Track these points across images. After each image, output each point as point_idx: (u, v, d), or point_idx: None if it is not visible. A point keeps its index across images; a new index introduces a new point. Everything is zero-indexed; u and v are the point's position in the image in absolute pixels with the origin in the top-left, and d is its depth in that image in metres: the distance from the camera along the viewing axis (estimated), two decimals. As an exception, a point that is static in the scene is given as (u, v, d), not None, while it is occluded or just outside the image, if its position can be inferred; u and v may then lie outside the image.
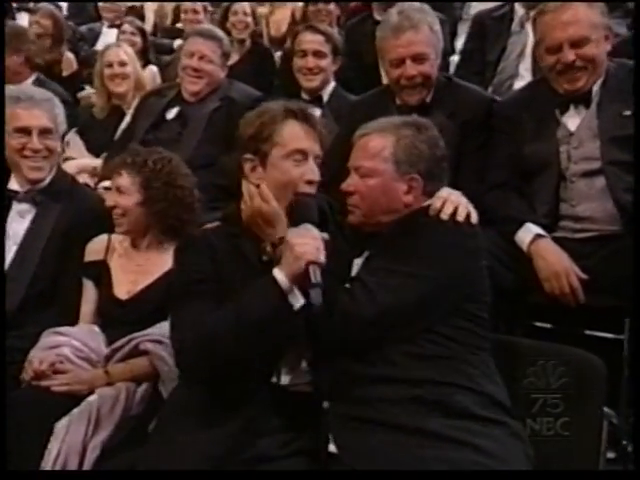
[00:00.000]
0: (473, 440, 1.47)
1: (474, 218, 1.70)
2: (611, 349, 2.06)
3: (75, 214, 2.34)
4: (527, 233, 2.14)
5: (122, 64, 3.48)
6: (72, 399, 1.95)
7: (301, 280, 1.51)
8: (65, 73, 4.45)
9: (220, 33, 3.17)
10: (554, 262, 2.07)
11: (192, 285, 1.68)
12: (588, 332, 2.14)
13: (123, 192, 2.20)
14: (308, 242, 1.51)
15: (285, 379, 1.67)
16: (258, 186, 1.70)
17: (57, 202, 2.35)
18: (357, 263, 1.74)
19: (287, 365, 1.67)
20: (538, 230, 2.14)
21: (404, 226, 1.67)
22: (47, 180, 2.35)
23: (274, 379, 1.66)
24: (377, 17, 3.53)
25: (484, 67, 3.28)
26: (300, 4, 4.68)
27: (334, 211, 1.84)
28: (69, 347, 2.09)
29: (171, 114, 3.03)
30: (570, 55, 2.13)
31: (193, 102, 3.02)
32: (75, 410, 1.91)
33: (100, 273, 2.26)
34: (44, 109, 2.28)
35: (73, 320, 2.23)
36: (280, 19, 4.69)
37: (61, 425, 1.88)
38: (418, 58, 2.36)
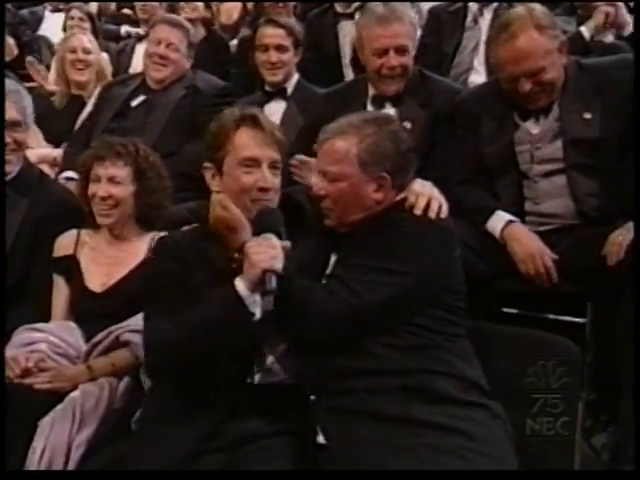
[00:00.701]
0: (458, 425, 1.48)
1: (444, 211, 1.70)
2: (573, 332, 2.16)
3: (44, 208, 2.25)
4: (499, 220, 2.21)
5: (86, 51, 3.39)
6: (54, 396, 1.89)
7: (259, 287, 1.52)
8: (6, 59, 4.25)
9: (187, 23, 3.11)
10: (529, 244, 2.14)
11: (160, 288, 1.70)
12: (552, 316, 2.24)
13: (119, 182, 2.13)
14: (264, 250, 1.52)
15: (259, 378, 1.67)
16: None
17: (24, 196, 2.26)
18: (331, 262, 1.75)
19: (261, 364, 1.68)
20: (509, 216, 2.21)
21: (377, 224, 1.68)
22: (14, 173, 2.25)
23: (248, 379, 1.66)
24: (338, 9, 3.55)
25: (440, 60, 3.34)
26: (252, -7, 4.64)
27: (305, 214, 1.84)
28: (46, 343, 2.03)
29: (136, 102, 2.96)
30: (527, 85, 2.16)
31: (158, 90, 2.96)
32: (59, 407, 1.86)
33: (70, 268, 2.20)
34: (12, 101, 2.18)
35: (46, 317, 2.16)
36: (231, 7, 4.61)
37: (45, 423, 1.83)
38: (401, 50, 2.42)
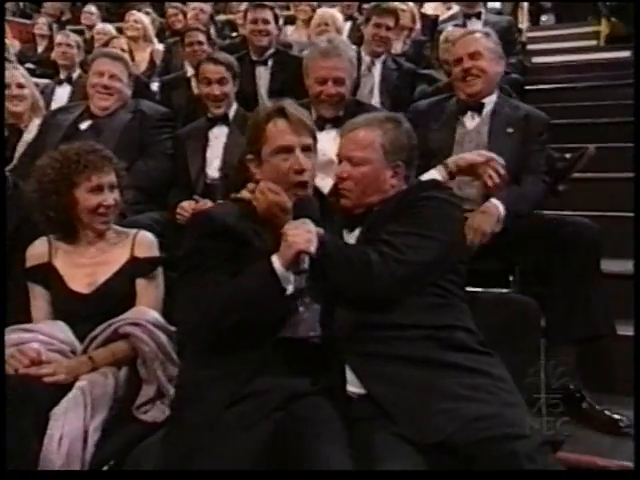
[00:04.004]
0: (481, 367, 1.49)
1: None
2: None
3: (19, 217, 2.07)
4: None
5: (20, 86, 3.17)
6: (57, 387, 1.72)
7: (293, 267, 1.51)
8: None
9: (125, 56, 3.03)
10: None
11: (201, 262, 1.60)
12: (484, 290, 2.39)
13: (115, 187, 2.03)
14: (300, 233, 1.51)
15: (289, 332, 1.62)
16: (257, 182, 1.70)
17: None
18: (351, 237, 1.76)
19: (298, 319, 1.64)
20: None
21: (406, 201, 1.70)
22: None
23: (288, 333, 1.62)
24: (254, 58, 3.68)
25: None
26: (160, 47, 4.63)
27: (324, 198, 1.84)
28: (37, 342, 1.83)
29: (84, 125, 2.81)
30: (468, 63, 2.47)
31: (104, 116, 2.83)
32: (69, 395, 1.70)
33: (47, 276, 2.00)
34: None
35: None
36: (139, 60, 4.56)
37: (58, 412, 1.66)
38: (338, 81, 2.57)
